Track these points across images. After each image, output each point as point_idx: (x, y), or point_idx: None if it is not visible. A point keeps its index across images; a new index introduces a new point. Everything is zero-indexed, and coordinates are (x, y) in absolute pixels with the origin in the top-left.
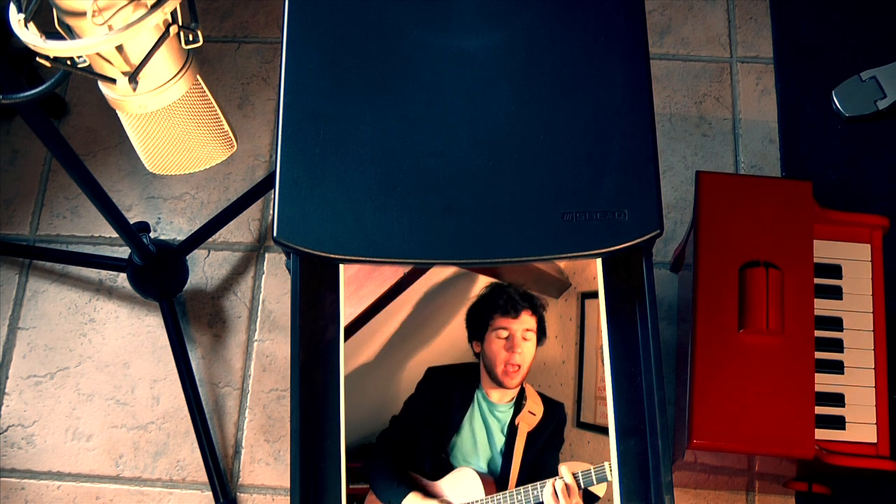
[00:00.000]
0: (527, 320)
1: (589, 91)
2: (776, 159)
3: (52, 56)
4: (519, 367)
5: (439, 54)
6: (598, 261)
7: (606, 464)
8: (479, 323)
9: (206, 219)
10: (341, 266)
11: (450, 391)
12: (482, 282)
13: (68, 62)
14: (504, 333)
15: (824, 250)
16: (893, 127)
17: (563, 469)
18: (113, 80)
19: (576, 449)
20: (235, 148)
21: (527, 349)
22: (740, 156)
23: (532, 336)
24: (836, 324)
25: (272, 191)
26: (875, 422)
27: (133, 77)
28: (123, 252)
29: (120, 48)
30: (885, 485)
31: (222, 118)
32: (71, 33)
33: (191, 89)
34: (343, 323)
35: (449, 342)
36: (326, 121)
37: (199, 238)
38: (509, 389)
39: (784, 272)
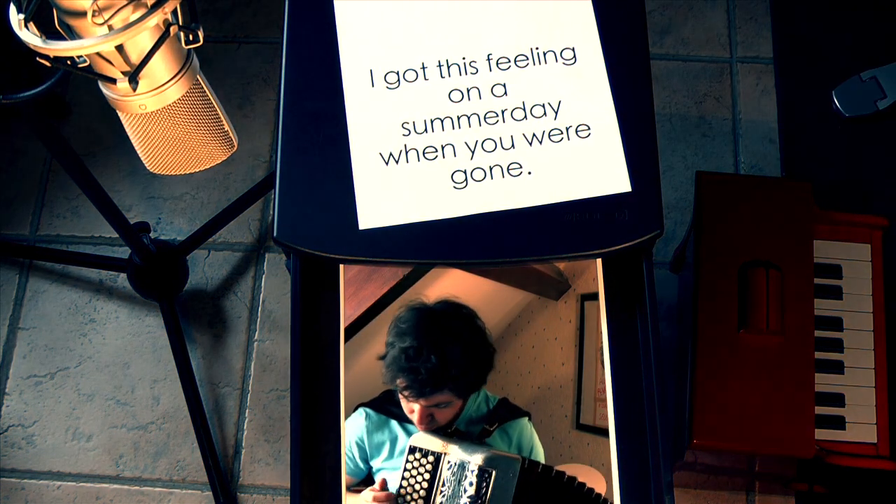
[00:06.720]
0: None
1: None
2: (776, 159)
3: (52, 56)
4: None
5: None
6: (598, 261)
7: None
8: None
9: (206, 219)
10: (341, 266)
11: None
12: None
13: (68, 62)
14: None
15: (824, 250)
16: (893, 127)
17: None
18: (113, 80)
19: (575, 451)
20: (235, 148)
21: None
22: (740, 156)
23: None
24: (836, 324)
25: (272, 191)
26: (875, 422)
27: (133, 77)
28: (123, 252)
29: (120, 48)
30: (885, 485)
31: (222, 118)
32: (71, 33)
33: (191, 89)
34: (343, 323)
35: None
36: (326, 121)
37: (199, 238)
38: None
39: (784, 272)
